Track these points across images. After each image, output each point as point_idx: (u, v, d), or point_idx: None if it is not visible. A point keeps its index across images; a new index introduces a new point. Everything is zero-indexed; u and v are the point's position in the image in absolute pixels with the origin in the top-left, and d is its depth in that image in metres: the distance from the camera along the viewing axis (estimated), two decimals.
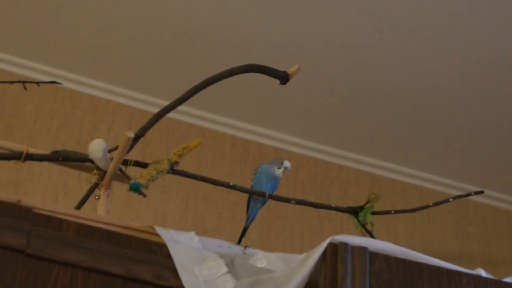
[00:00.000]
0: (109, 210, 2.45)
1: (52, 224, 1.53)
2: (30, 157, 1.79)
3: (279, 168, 1.96)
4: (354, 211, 1.96)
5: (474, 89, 2.73)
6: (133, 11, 2.57)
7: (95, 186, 1.83)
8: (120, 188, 1.93)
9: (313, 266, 1.55)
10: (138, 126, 1.94)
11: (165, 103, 2.02)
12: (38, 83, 2.08)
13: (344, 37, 2.59)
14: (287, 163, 1.97)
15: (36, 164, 2.48)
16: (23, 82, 2.02)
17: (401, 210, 2.07)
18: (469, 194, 2.14)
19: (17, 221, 1.49)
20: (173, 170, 1.84)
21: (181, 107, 2.07)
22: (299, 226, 2.80)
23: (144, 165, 1.85)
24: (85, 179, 1.87)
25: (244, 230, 2.03)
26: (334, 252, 1.57)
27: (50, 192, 2.57)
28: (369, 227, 1.95)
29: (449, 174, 3.03)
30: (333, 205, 2.00)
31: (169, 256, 1.56)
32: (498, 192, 3.08)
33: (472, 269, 1.72)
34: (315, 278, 1.56)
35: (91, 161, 1.80)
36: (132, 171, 1.85)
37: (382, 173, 3.00)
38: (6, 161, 1.82)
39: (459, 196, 2.12)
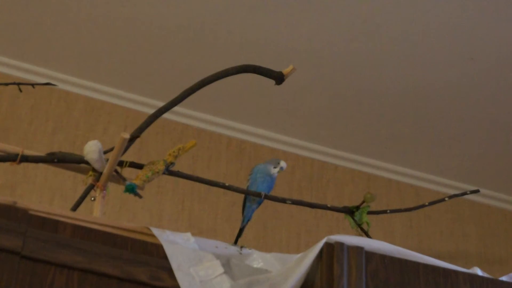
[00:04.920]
0: (105, 211, 2.46)
1: (48, 225, 1.53)
2: (26, 159, 1.79)
3: (275, 167, 1.97)
4: (350, 211, 1.96)
5: (468, 88, 2.73)
6: (128, 13, 2.56)
7: (91, 187, 1.83)
8: (115, 189, 1.93)
9: (309, 266, 1.55)
10: (134, 127, 1.94)
11: (160, 104, 2.01)
12: (33, 85, 2.08)
13: (340, 37, 2.60)
14: (283, 164, 1.98)
15: (31, 165, 2.47)
16: (18, 84, 2.01)
17: (397, 210, 2.07)
18: (464, 193, 2.14)
19: (13, 223, 1.49)
20: (168, 171, 1.84)
21: (176, 108, 2.07)
22: (295, 226, 2.80)
23: (139, 166, 1.84)
24: (81, 181, 1.87)
25: (240, 231, 2.03)
26: (330, 252, 1.57)
27: (46, 194, 2.57)
28: (365, 226, 1.95)
29: (445, 173, 3.03)
30: (329, 205, 2.00)
31: (165, 257, 1.56)
32: (493, 191, 3.08)
33: (468, 268, 1.72)
34: (312, 278, 1.56)
35: (87, 162, 1.80)
36: (127, 172, 1.85)
37: (378, 173, 3.00)
38: (2, 163, 1.81)
39: (455, 195, 2.12)
